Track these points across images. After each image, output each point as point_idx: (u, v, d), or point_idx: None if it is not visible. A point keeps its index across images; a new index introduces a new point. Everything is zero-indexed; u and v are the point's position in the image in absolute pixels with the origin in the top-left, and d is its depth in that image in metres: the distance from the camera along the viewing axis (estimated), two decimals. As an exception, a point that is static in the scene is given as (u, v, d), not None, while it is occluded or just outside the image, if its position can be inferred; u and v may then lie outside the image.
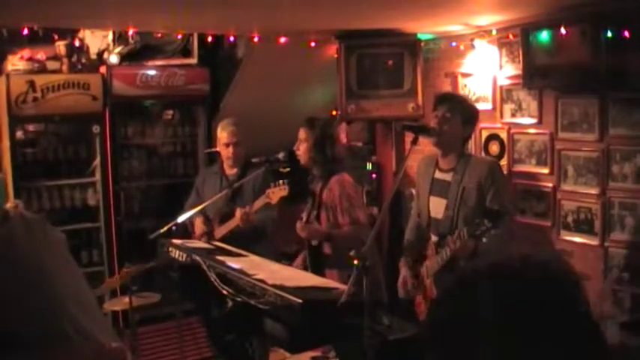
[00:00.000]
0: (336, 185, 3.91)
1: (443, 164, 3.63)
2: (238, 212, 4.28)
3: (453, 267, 3.37)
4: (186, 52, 5.78)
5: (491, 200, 3.37)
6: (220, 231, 4.43)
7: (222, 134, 4.60)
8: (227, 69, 5.84)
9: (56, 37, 5.19)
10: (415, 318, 3.67)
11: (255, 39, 4.97)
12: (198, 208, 4.42)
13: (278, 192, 4.18)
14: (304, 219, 3.86)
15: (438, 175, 3.63)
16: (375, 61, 5.10)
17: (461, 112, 3.52)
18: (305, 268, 3.99)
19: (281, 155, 4.35)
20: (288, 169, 6.13)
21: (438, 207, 3.60)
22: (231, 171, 4.66)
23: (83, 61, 5.44)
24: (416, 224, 3.84)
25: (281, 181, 4.18)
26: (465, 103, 3.67)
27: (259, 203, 4.27)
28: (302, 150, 4.04)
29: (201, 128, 5.97)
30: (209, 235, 4.40)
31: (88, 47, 5.51)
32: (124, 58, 5.49)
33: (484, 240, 3.11)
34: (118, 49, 5.44)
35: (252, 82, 5.66)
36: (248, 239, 4.21)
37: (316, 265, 3.92)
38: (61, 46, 5.31)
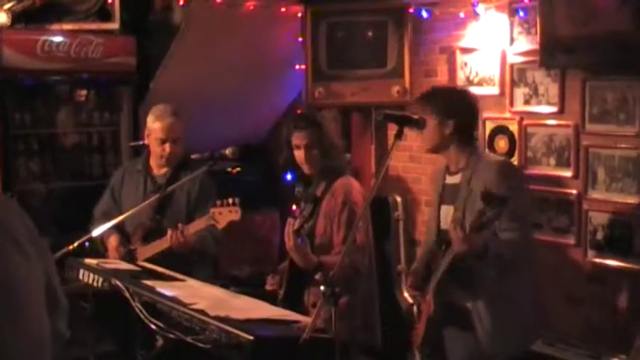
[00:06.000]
0: (341, 191, 3.90)
1: (451, 166, 3.74)
2: (170, 233, 4.16)
3: (457, 275, 3.44)
4: (104, 15, 5.76)
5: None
6: (144, 253, 4.34)
7: (156, 125, 4.45)
8: (159, 38, 5.83)
9: None
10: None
11: (197, -2, 4.94)
12: (119, 218, 4.30)
13: (227, 215, 4.09)
14: (293, 227, 3.76)
15: (448, 179, 3.75)
16: (350, 32, 5.13)
17: (437, 111, 3.64)
18: (279, 283, 3.99)
19: (229, 151, 4.26)
20: (238, 169, 6.08)
21: (447, 216, 3.67)
22: (159, 170, 4.53)
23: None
24: (428, 248, 3.89)
25: (231, 200, 4.09)
26: (443, 96, 3.76)
27: (199, 224, 4.19)
28: (304, 158, 3.94)
29: (124, 115, 5.92)
30: (129, 259, 4.27)
31: (-36, 1, 5.47)
32: (18, 17, 5.42)
33: (488, 231, 3.25)
34: (8, 5, 5.38)
35: (192, 56, 5.65)
36: (183, 262, 4.13)
37: (295, 283, 3.90)
38: None
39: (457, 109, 3.67)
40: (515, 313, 3.51)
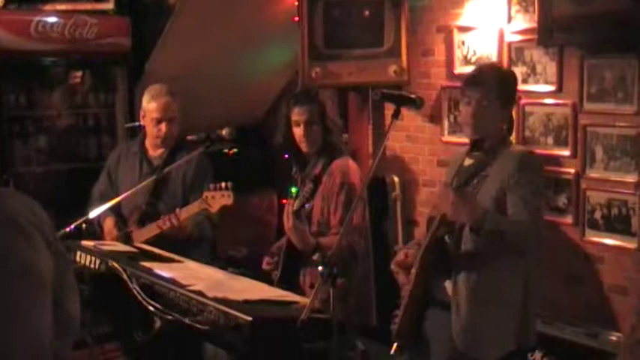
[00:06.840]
0: (339, 172, 3.89)
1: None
2: (164, 218, 4.17)
3: (441, 260, 3.34)
4: (99, -6, 5.76)
5: (513, 191, 3.26)
6: (140, 236, 4.34)
7: (152, 105, 4.44)
8: (154, 18, 5.82)
9: None
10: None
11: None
12: (116, 200, 4.29)
13: (219, 199, 4.10)
14: (293, 208, 3.75)
15: (467, 161, 3.54)
16: (347, 12, 5.10)
17: (500, 95, 3.42)
18: (276, 264, 4.00)
19: (225, 132, 4.24)
20: (234, 150, 6.09)
21: None
22: (155, 151, 4.52)
23: (-51, 0, 5.40)
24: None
25: (223, 184, 4.11)
26: (505, 79, 3.53)
27: (192, 209, 4.19)
28: (304, 134, 3.90)
29: (119, 96, 5.92)
30: (124, 242, 4.28)
31: (-44, -19, 5.46)
32: (11, -2, 5.43)
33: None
34: (1, -15, 5.42)
35: (188, 36, 5.63)
36: (180, 244, 4.15)
37: (291, 265, 3.91)
38: None
39: (514, 95, 3.51)
40: (501, 311, 3.28)
